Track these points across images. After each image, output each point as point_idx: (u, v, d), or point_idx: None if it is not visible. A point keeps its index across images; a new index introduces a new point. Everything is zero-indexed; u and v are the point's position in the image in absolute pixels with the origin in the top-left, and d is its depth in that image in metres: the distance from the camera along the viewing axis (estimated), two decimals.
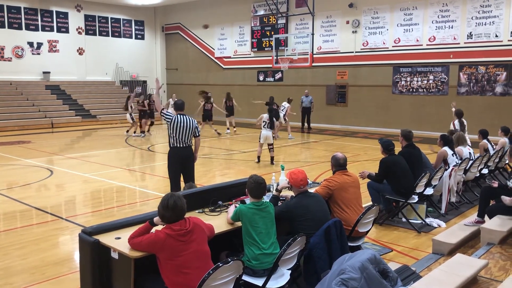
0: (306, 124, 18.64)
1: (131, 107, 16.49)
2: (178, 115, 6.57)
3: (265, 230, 3.81)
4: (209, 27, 24.53)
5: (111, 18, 25.38)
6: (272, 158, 11.06)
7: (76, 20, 23.95)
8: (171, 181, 6.82)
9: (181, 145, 6.59)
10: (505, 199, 5.32)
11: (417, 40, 17.45)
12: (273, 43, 18.77)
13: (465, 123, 10.47)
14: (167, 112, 6.58)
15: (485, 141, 8.68)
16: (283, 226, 4.32)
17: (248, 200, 4.36)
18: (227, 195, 4.64)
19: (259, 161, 11.17)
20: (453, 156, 7.25)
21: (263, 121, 11.04)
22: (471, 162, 7.62)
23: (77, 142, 16.41)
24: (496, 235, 5.09)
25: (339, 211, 4.69)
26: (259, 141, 11.10)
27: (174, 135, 6.54)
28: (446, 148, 7.30)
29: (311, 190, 4.68)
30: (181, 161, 6.68)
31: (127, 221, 3.87)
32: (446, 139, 7.48)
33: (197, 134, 6.73)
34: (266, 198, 4.18)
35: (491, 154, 8.31)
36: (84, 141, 16.83)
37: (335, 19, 19.67)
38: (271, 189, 4.94)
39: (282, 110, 16.10)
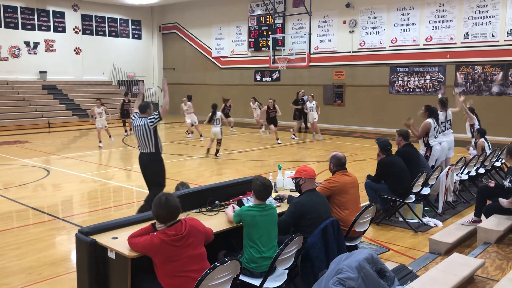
0: (303, 124, 18.61)
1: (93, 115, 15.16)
2: (139, 119, 6.15)
3: (267, 233, 3.77)
4: (208, 25, 24.49)
5: (108, 18, 25.32)
6: (217, 151, 12.28)
7: (73, 19, 23.88)
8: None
9: (141, 150, 6.32)
10: (503, 201, 5.30)
11: (414, 40, 17.48)
12: (270, 43, 18.74)
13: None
14: (133, 115, 6.32)
15: (482, 140, 8.70)
16: None
17: (246, 200, 4.35)
18: (224, 195, 4.63)
19: (208, 152, 12.37)
20: (434, 130, 7.35)
21: (217, 119, 12.04)
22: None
23: (73, 142, 16.38)
24: (493, 234, 5.11)
25: (338, 211, 4.66)
26: (211, 136, 12.32)
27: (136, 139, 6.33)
28: (429, 120, 7.38)
29: None
30: (143, 167, 6.37)
31: (124, 221, 3.86)
32: (431, 110, 7.60)
33: (153, 124, 6.07)
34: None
35: (487, 154, 8.33)
36: (81, 140, 16.80)
37: (332, 19, 19.69)
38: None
39: (311, 111, 15.55)
